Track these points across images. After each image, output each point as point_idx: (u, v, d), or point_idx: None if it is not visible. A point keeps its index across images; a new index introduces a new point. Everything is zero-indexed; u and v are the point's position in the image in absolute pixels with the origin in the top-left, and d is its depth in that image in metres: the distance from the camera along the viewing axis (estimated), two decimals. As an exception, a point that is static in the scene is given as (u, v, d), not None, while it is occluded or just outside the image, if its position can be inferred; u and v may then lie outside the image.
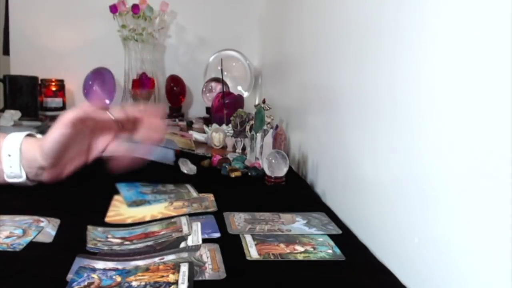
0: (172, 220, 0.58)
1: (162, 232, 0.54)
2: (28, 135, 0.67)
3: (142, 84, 1.61)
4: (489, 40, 0.35)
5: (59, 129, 0.63)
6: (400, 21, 0.51)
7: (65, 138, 0.63)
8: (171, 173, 0.83)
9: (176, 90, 1.69)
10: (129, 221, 0.58)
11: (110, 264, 0.45)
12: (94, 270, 0.43)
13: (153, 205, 0.64)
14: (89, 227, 0.54)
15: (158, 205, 0.65)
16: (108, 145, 0.70)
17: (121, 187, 0.69)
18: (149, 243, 0.51)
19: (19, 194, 0.66)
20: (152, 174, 0.72)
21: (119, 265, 0.45)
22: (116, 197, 0.66)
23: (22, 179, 0.65)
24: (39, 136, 0.69)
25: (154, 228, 0.56)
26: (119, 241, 0.52)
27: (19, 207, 0.59)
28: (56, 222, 0.56)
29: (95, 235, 0.53)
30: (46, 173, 0.66)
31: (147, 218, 0.60)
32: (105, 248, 0.50)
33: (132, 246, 0.51)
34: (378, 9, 0.57)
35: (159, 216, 0.60)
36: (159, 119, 0.71)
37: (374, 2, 0.59)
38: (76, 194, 0.67)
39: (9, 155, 0.64)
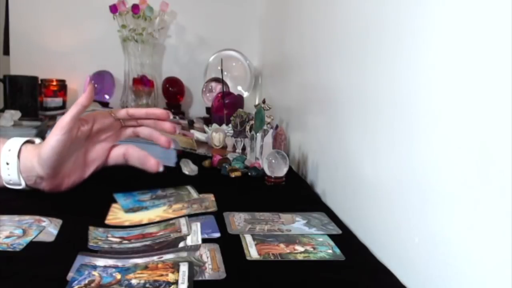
0: (171, 221, 0.58)
1: (160, 233, 0.54)
2: (28, 141, 0.66)
3: (143, 83, 1.61)
4: (489, 40, 0.35)
5: (55, 135, 0.62)
6: (400, 21, 0.51)
7: (61, 145, 0.62)
8: (172, 175, 0.82)
9: (172, 90, 1.69)
10: (127, 223, 0.58)
11: (110, 261, 0.45)
12: (95, 267, 0.43)
13: (151, 210, 0.63)
14: (91, 227, 0.55)
15: (157, 209, 0.63)
16: (108, 154, 0.70)
17: (118, 197, 0.68)
18: (147, 243, 0.51)
19: (19, 195, 0.65)
20: (153, 177, 0.71)
21: (119, 262, 0.45)
22: (114, 204, 0.65)
23: (21, 186, 0.65)
24: (38, 141, 0.68)
25: (152, 229, 0.56)
26: (118, 240, 0.52)
27: (20, 208, 0.59)
28: (58, 222, 0.56)
29: (96, 234, 0.53)
30: (45, 183, 0.65)
31: (144, 221, 0.59)
32: (106, 246, 0.50)
33: (131, 245, 0.51)
34: (378, 9, 0.57)
35: (157, 219, 0.59)
36: (166, 122, 0.71)
37: (374, 2, 0.59)
38: (75, 199, 0.66)
39: (7, 163, 0.63)
